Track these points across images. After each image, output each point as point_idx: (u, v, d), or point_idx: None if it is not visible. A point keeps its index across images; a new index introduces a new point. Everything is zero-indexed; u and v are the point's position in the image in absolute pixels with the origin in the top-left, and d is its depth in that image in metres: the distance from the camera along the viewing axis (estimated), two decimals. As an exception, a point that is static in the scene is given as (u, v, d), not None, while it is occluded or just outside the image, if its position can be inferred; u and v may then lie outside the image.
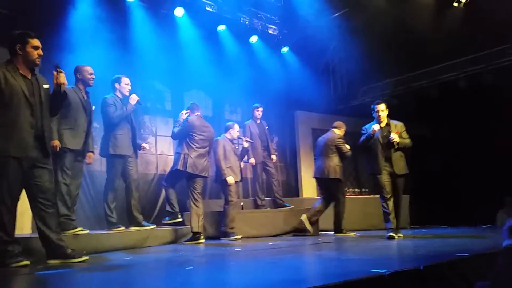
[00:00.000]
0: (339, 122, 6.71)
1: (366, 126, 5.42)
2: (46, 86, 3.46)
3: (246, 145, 6.36)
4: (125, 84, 5.16)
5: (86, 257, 3.46)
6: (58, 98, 3.47)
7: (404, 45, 8.09)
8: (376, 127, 5.20)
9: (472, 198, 7.59)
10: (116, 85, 5.16)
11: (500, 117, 7.45)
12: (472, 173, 7.74)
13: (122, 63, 6.65)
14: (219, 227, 6.11)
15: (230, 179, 5.96)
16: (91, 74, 4.48)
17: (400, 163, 5.26)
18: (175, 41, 7.47)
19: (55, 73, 3.37)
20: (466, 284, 2.49)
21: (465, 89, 8.11)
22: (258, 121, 7.11)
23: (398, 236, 5.09)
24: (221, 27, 8.14)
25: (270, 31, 9.02)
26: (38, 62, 3.37)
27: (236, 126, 6.35)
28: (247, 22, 8.55)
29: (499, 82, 7.52)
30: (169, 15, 7.48)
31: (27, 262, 3.19)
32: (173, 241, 5.43)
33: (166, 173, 7.28)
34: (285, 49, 9.23)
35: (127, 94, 5.15)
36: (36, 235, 3.43)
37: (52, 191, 3.47)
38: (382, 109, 5.35)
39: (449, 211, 7.90)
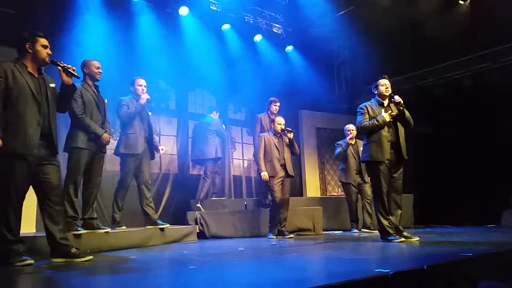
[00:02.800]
0: None
1: (363, 104, 4.76)
2: (52, 85, 3.49)
3: (290, 135, 5.99)
4: (138, 85, 5.21)
5: (90, 257, 3.46)
6: (68, 92, 3.53)
7: (409, 44, 8.07)
8: (387, 117, 4.51)
9: (477, 197, 7.56)
10: (131, 88, 5.25)
11: (506, 116, 7.41)
12: (476, 172, 7.70)
13: (127, 62, 6.68)
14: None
15: (264, 175, 5.84)
16: (98, 68, 4.42)
17: (405, 146, 4.61)
18: (179, 40, 7.49)
19: (59, 68, 3.42)
20: (470, 284, 2.47)
21: (470, 87, 8.08)
22: (273, 116, 6.69)
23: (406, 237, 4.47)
24: (226, 26, 8.16)
25: (274, 30, 9.03)
26: (48, 61, 3.41)
27: (278, 119, 6.06)
28: (251, 21, 8.55)
29: (505, 81, 7.48)
30: (173, 14, 7.50)
31: (31, 261, 3.19)
32: (177, 240, 5.43)
33: (170, 172, 7.34)
34: (289, 48, 9.23)
35: (141, 94, 5.20)
36: (40, 234, 3.45)
37: (61, 188, 3.50)
38: (387, 84, 4.68)
39: (453, 210, 7.87)
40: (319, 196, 8.80)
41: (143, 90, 5.19)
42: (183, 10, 7.50)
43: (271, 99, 6.83)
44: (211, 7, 7.90)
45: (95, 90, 4.42)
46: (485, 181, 7.55)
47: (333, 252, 3.90)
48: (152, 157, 5.34)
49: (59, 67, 3.42)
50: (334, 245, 4.51)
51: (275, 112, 6.78)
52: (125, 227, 5.02)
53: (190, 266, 3.13)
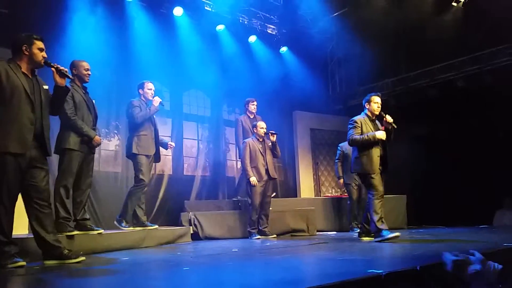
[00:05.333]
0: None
1: (356, 118, 5.00)
2: (45, 87, 3.49)
3: (273, 138, 6.18)
4: (148, 89, 5.33)
5: (83, 258, 3.44)
6: (61, 93, 3.53)
7: (403, 45, 8.11)
8: (383, 136, 4.79)
9: (470, 198, 7.59)
10: (140, 91, 5.35)
11: (499, 117, 7.46)
12: (469, 173, 7.74)
13: (121, 62, 6.68)
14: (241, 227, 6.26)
15: (253, 180, 6.01)
16: (87, 70, 4.38)
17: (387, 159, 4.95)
18: (174, 40, 7.48)
19: (53, 69, 3.42)
20: (462, 284, 2.49)
21: (463, 89, 8.12)
22: (252, 116, 6.80)
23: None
24: (220, 27, 8.15)
25: (269, 31, 9.04)
26: (42, 64, 3.41)
27: (260, 124, 6.24)
28: (246, 22, 8.56)
29: (497, 82, 7.53)
30: (168, 14, 7.49)
31: (23, 263, 3.17)
32: (171, 242, 5.42)
33: (164, 173, 7.31)
34: (283, 49, 9.24)
35: (150, 98, 5.30)
36: (32, 235, 3.42)
37: (48, 191, 3.46)
38: (379, 103, 5.00)
39: (446, 211, 7.90)
40: (313, 197, 8.81)
41: (152, 93, 5.32)
42: (178, 11, 7.49)
43: (247, 99, 6.89)
44: (205, 7, 7.89)
45: (83, 91, 4.40)
46: (478, 182, 7.59)
47: (326, 253, 3.91)
48: (158, 159, 5.43)
49: (53, 68, 3.42)
50: (327, 246, 4.52)
51: (254, 111, 6.82)
52: (156, 226, 5.15)
53: (184, 267, 3.12)
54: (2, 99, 3.18)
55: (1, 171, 3.14)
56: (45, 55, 3.42)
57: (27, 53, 3.34)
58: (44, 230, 3.32)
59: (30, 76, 3.37)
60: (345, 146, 7.02)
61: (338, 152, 7.15)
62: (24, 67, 3.34)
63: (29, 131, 3.25)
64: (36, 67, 3.42)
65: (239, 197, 6.93)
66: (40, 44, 3.39)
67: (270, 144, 6.25)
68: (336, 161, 7.19)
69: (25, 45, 3.33)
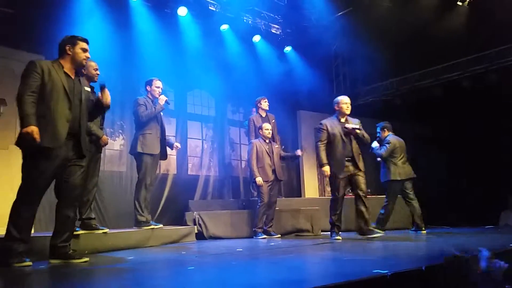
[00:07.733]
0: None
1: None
2: (87, 89, 3.62)
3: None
4: (156, 87, 5.30)
5: (86, 259, 3.45)
6: (100, 108, 3.69)
7: (408, 45, 8.07)
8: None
9: (475, 198, 7.56)
10: (148, 88, 5.33)
11: (504, 117, 7.43)
12: (475, 173, 7.71)
13: (125, 62, 6.69)
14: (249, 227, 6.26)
15: (259, 180, 6.05)
16: (96, 69, 4.42)
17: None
18: (178, 40, 7.49)
19: (102, 92, 3.59)
20: (468, 285, 2.47)
21: (468, 88, 8.09)
22: (264, 115, 6.74)
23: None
24: (224, 27, 8.15)
25: (273, 31, 9.03)
26: (84, 63, 3.56)
27: (265, 125, 6.31)
28: (250, 22, 8.55)
29: (503, 82, 7.50)
30: (172, 14, 7.50)
31: (30, 263, 3.18)
32: (175, 241, 5.43)
33: (169, 172, 7.33)
34: (288, 49, 9.23)
35: (157, 96, 5.28)
36: (39, 234, 3.45)
37: (80, 188, 3.52)
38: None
39: (452, 211, 7.87)
40: (318, 196, 8.80)
41: (160, 92, 5.30)
42: (182, 11, 7.50)
43: (257, 98, 6.81)
44: (210, 7, 7.90)
45: (90, 91, 4.40)
46: (483, 182, 7.56)
47: (331, 253, 3.91)
48: (164, 157, 5.42)
49: (103, 91, 3.60)
50: (332, 246, 4.51)
51: (267, 108, 6.76)
52: (153, 226, 5.10)
53: (189, 266, 3.12)
54: (42, 95, 3.26)
55: (33, 166, 3.19)
56: (88, 56, 3.54)
57: (70, 53, 3.45)
58: (64, 228, 3.37)
59: (72, 77, 3.46)
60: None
61: None
62: (66, 66, 3.44)
63: (64, 126, 3.30)
64: (78, 66, 3.52)
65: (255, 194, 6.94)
66: (83, 44, 3.52)
67: (280, 149, 6.42)
68: None
69: (69, 45, 3.45)
